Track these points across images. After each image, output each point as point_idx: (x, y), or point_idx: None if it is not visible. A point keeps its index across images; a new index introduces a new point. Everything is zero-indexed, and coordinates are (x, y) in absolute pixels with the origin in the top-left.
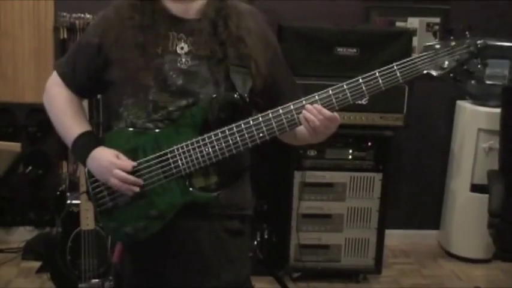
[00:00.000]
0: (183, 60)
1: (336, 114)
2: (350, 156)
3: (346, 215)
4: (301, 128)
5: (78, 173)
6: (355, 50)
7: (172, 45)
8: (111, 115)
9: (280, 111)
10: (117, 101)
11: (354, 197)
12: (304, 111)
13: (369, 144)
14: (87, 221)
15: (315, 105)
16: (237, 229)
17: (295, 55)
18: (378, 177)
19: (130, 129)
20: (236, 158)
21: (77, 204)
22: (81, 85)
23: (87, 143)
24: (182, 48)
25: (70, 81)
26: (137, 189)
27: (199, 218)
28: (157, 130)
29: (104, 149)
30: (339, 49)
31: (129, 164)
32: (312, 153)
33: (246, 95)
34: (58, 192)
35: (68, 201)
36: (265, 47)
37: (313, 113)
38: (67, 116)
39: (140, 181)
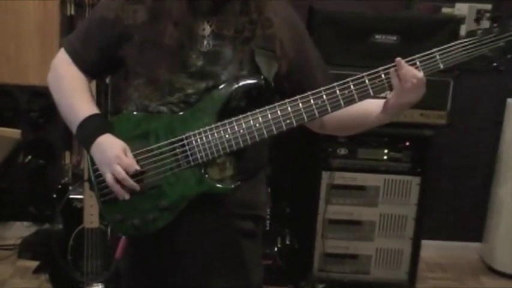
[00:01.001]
0: (205, 42)
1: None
2: (385, 157)
3: (378, 222)
4: (365, 108)
5: (83, 165)
6: (394, 38)
7: (196, 26)
8: (120, 97)
9: (310, 97)
10: (127, 81)
11: (387, 203)
12: (399, 65)
13: (407, 144)
14: (92, 218)
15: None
16: (249, 230)
17: (327, 42)
18: (415, 181)
19: (141, 112)
20: (254, 155)
21: (81, 199)
22: (92, 63)
23: (95, 126)
24: (204, 29)
25: (80, 59)
26: (127, 196)
27: (210, 215)
28: (172, 114)
29: (113, 138)
30: (377, 36)
31: (133, 165)
32: (342, 152)
33: (271, 80)
34: (60, 185)
35: (71, 196)
36: (289, 27)
37: (407, 68)
38: (75, 96)
39: (137, 187)
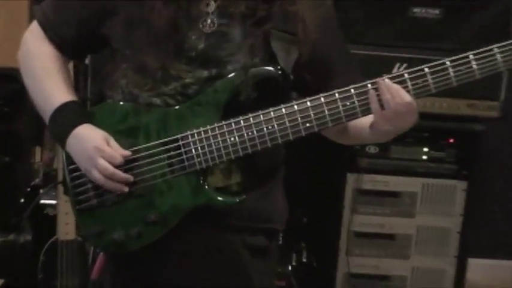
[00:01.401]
0: (208, 20)
1: (414, 102)
2: (424, 157)
3: (415, 237)
4: (358, 121)
5: (56, 163)
6: (437, 12)
7: (198, 1)
8: (104, 83)
9: (337, 95)
10: (113, 65)
11: (426, 212)
12: (380, 87)
13: (451, 141)
14: (67, 228)
15: (394, 83)
16: (261, 247)
17: (355, 16)
18: (460, 186)
19: (129, 103)
20: (268, 155)
21: (54, 205)
22: (70, 40)
23: (71, 116)
24: (208, 4)
25: (55, 34)
26: (126, 188)
27: (212, 228)
28: (166, 108)
29: (92, 127)
30: (416, 9)
31: (118, 154)
32: (372, 150)
33: (289, 70)
34: (29, 188)
35: (42, 201)
36: (315, 7)
37: (392, 91)
38: (48, 78)
39: (131, 177)
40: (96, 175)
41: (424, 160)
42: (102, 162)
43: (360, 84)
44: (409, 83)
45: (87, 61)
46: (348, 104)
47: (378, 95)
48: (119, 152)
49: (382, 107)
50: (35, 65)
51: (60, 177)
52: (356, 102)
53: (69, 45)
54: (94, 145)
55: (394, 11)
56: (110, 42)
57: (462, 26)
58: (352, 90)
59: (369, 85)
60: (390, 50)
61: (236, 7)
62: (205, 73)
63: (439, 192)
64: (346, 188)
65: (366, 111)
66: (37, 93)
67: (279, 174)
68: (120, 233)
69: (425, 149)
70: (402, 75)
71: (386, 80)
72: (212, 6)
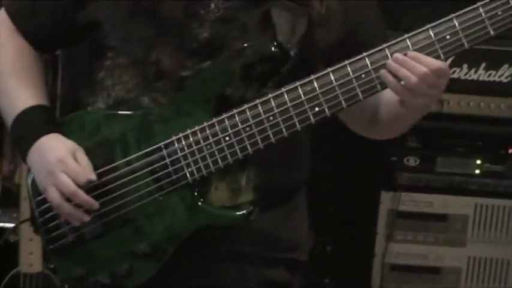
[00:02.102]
0: (212, 5)
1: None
2: (477, 171)
3: (466, 270)
4: (386, 98)
5: (18, 177)
6: None
7: None
8: (82, 83)
9: (348, 68)
10: (95, 60)
11: (480, 241)
12: (389, 62)
13: (510, 151)
14: (31, 259)
15: (409, 52)
16: (282, 282)
17: None
18: None
19: (100, 110)
20: (288, 165)
21: (15, 229)
22: (43, 30)
23: (36, 123)
24: None
25: (26, 23)
26: (87, 217)
27: (220, 260)
28: (143, 111)
29: (59, 138)
30: None
31: (84, 172)
32: (412, 162)
33: (289, 46)
34: None
35: (1, 224)
36: None
37: (407, 63)
38: (13, 77)
39: (95, 204)
40: (52, 194)
41: (478, 175)
42: (64, 178)
43: (374, 50)
44: (435, 41)
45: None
46: (364, 76)
47: (392, 71)
48: (86, 171)
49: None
50: (0, 60)
51: (24, 200)
52: (372, 73)
53: (41, 37)
54: (57, 157)
55: None
56: (90, 32)
57: None
58: (367, 59)
59: (386, 49)
60: None
61: None
62: (206, 64)
63: (496, 215)
64: (380, 209)
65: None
66: (0, 92)
67: (302, 192)
68: (106, 273)
69: (479, 161)
70: (427, 30)
71: (396, 54)
72: None
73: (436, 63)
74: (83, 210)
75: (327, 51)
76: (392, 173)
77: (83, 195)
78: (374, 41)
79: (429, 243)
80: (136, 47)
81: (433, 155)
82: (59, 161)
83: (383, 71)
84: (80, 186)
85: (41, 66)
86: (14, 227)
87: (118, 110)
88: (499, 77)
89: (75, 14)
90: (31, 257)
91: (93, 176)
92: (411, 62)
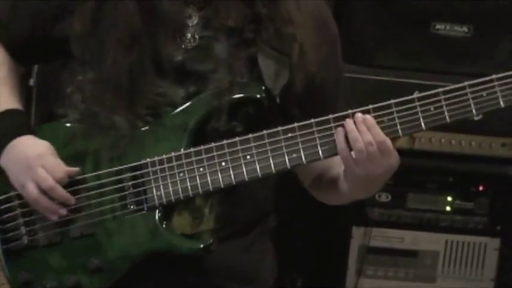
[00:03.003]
0: (188, 35)
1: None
2: (448, 208)
3: None
4: (333, 169)
5: None
6: (465, 29)
7: (179, 11)
8: (53, 99)
9: (314, 127)
10: (66, 76)
11: (450, 277)
12: (346, 122)
13: (481, 188)
14: None
15: (367, 116)
16: None
17: (365, 32)
18: (492, 244)
19: (77, 124)
20: (250, 197)
21: None
22: (21, 40)
23: (12, 124)
24: (190, 16)
25: (4, 31)
26: (64, 211)
27: (174, 286)
28: (123, 130)
29: (35, 139)
30: (439, 26)
31: (65, 168)
32: (384, 198)
33: (276, 93)
34: None
35: None
36: (318, 29)
37: (360, 126)
38: None
39: (72, 198)
40: (30, 188)
41: (448, 212)
42: (42, 173)
43: (322, 119)
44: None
45: (31, 82)
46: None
47: (345, 132)
48: (63, 166)
49: (349, 146)
50: None
51: None
52: (317, 140)
53: (19, 46)
54: (37, 153)
55: (412, 27)
56: (64, 48)
57: (495, 47)
58: (314, 125)
59: (332, 120)
60: (407, 74)
61: (223, 20)
62: (181, 92)
63: (467, 252)
64: (351, 245)
65: (328, 152)
66: None
67: (267, 224)
68: (53, 282)
69: (450, 198)
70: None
71: (357, 115)
72: (194, 19)
73: (381, 137)
74: (58, 205)
75: (302, 98)
76: (363, 208)
77: (60, 190)
78: (336, 99)
79: (399, 279)
80: (109, 62)
81: (404, 191)
82: (39, 156)
83: (339, 128)
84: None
85: (18, 78)
86: None
87: (94, 125)
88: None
89: (52, 26)
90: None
91: (70, 169)
92: (363, 126)
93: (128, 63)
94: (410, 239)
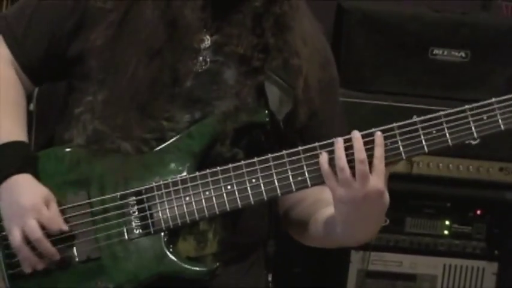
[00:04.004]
0: (200, 58)
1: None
2: (446, 232)
3: None
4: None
5: None
6: (462, 55)
7: (191, 36)
8: (57, 119)
9: (318, 149)
10: (74, 97)
11: None
12: (336, 149)
13: (478, 212)
14: None
15: (356, 133)
16: None
17: (364, 58)
18: (490, 268)
19: (80, 148)
20: (251, 223)
21: None
22: (36, 56)
23: (11, 160)
24: (202, 41)
25: (21, 49)
26: (42, 266)
27: None
28: (127, 155)
29: (34, 181)
30: (437, 51)
31: (57, 221)
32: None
33: (280, 118)
34: None
35: None
36: (321, 65)
37: (339, 149)
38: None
39: (56, 254)
40: (15, 235)
41: (446, 236)
42: (33, 224)
43: (326, 142)
44: (398, 140)
45: (31, 107)
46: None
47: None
48: (59, 220)
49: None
50: None
51: None
52: (305, 167)
53: (36, 65)
54: (32, 203)
55: (410, 52)
56: (77, 66)
57: (492, 72)
58: (318, 148)
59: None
60: (404, 99)
61: (234, 46)
62: (187, 117)
63: (464, 275)
64: (349, 269)
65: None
66: None
67: (265, 249)
68: None
69: (447, 223)
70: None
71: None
72: (207, 42)
73: (362, 158)
74: (38, 258)
75: (303, 131)
76: None
77: (47, 244)
78: (335, 131)
79: None
80: (122, 84)
81: (403, 216)
82: (33, 208)
83: (322, 157)
84: (48, 235)
85: (25, 101)
86: None
87: (98, 148)
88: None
89: (68, 44)
90: None
91: (64, 227)
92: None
93: (148, 75)
94: (409, 263)
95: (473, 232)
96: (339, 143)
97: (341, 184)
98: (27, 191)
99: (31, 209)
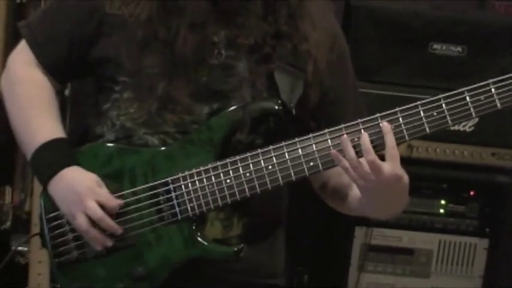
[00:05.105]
0: (216, 51)
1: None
2: (441, 210)
3: None
4: (354, 189)
5: (28, 205)
6: (459, 49)
7: (206, 31)
8: (89, 116)
9: (328, 136)
10: (101, 93)
11: (443, 273)
12: (345, 151)
13: (472, 193)
14: (39, 279)
15: (364, 140)
16: None
17: (369, 51)
18: (482, 244)
19: (112, 144)
20: (271, 206)
21: (25, 253)
22: (60, 61)
23: (58, 155)
24: (216, 34)
25: (44, 53)
26: (110, 243)
27: (210, 285)
28: (155, 148)
29: (82, 170)
30: (436, 46)
31: (115, 200)
32: None
33: (292, 105)
34: None
35: (13, 247)
36: (331, 47)
37: (349, 151)
38: (35, 110)
39: (120, 229)
40: (81, 220)
41: (442, 214)
42: (93, 205)
43: (335, 128)
44: (401, 122)
45: (66, 92)
46: (356, 139)
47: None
48: (115, 199)
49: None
50: (21, 93)
51: (34, 226)
52: (316, 153)
53: (59, 68)
54: (88, 186)
55: (412, 47)
56: (99, 67)
57: (487, 65)
58: (327, 135)
59: (343, 129)
60: (406, 89)
61: (245, 38)
62: (206, 109)
63: (458, 250)
64: (353, 243)
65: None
66: (20, 123)
67: (282, 226)
68: None
69: (443, 202)
70: (395, 113)
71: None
72: (221, 36)
73: (371, 159)
74: (106, 235)
75: (316, 110)
76: None
77: (109, 221)
78: (348, 106)
79: (397, 275)
80: (144, 83)
81: None
82: (89, 190)
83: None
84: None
85: (56, 100)
86: (25, 240)
87: (128, 144)
88: (463, 126)
89: (89, 48)
90: (39, 278)
91: (122, 202)
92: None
93: (163, 84)
94: (407, 239)
95: (466, 211)
96: (345, 141)
97: (359, 177)
98: (80, 179)
99: (88, 192)
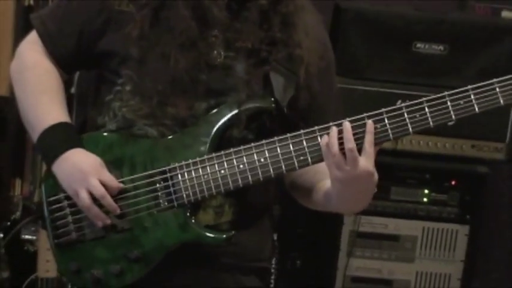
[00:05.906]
0: (215, 52)
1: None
2: (425, 199)
3: (414, 283)
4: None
5: (37, 196)
6: (441, 48)
7: (205, 32)
8: (91, 105)
9: (317, 133)
10: (104, 86)
11: (426, 258)
12: (330, 137)
13: (453, 183)
14: (47, 266)
15: (347, 124)
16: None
17: (356, 50)
18: (463, 230)
19: (113, 133)
20: (260, 195)
21: (33, 241)
22: (68, 54)
23: (64, 137)
24: (215, 36)
25: (54, 46)
26: (109, 220)
27: (201, 268)
28: (153, 139)
29: (86, 152)
30: (419, 45)
31: (117, 181)
32: None
33: (284, 104)
34: (8, 222)
35: (22, 236)
36: (321, 55)
37: (332, 137)
38: (44, 95)
39: (118, 209)
40: (83, 196)
41: (425, 203)
42: (96, 183)
43: (323, 126)
44: (387, 124)
45: (73, 90)
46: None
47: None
48: (116, 181)
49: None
50: (31, 79)
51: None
52: (306, 148)
53: (66, 60)
54: (92, 164)
55: (397, 46)
56: (104, 60)
57: (467, 64)
58: (317, 131)
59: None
60: (391, 86)
61: (243, 42)
62: (204, 105)
63: (440, 236)
64: (342, 230)
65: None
66: (29, 108)
67: (269, 213)
68: (99, 270)
69: (427, 191)
70: (381, 113)
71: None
72: (220, 37)
73: (350, 147)
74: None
75: (304, 112)
76: None
77: (110, 199)
78: (332, 111)
79: (383, 259)
80: (146, 79)
81: (388, 185)
82: (93, 169)
83: (324, 135)
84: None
85: (63, 89)
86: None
87: (129, 134)
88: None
89: (97, 41)
90: (47, 264)
91: (121, 185)
92: (334, 137)
93: (186, 63)
94: (393, 226)
95: (448, 200)
96: (333, 131)
97: (335, 166)
98: (85, 159)
99: (92, 170)
